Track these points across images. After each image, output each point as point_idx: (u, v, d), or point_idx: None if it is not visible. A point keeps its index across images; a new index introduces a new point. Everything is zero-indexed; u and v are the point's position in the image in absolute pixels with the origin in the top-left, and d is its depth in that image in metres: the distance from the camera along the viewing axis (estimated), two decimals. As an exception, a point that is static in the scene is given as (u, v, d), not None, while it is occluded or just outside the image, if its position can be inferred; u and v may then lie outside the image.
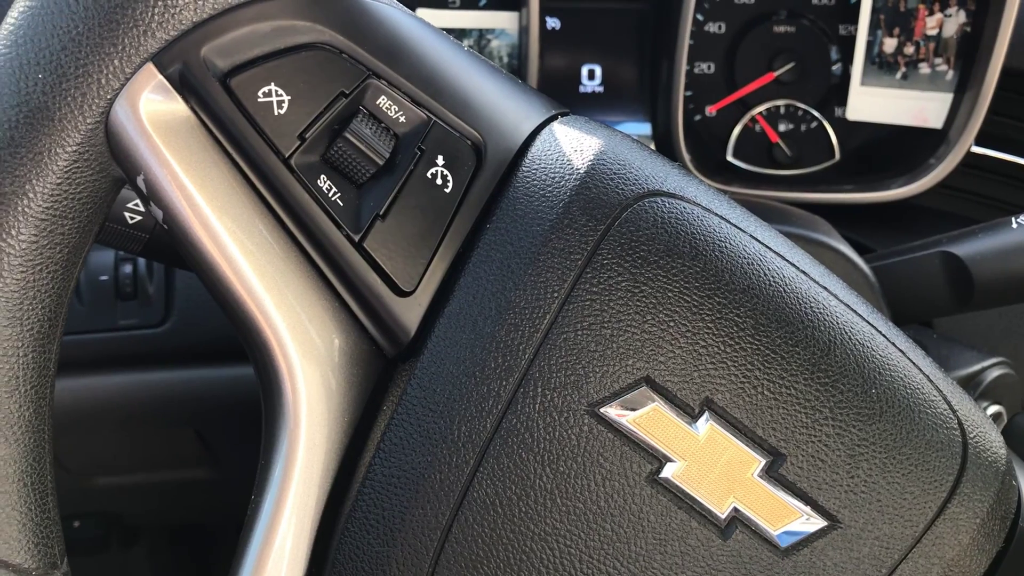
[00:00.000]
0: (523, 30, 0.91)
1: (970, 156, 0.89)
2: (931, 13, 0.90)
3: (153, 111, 0.37)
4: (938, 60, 0.91)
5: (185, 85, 0.38)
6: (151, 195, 0.38)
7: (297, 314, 0.39)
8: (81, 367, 0.83)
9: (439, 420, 0.38)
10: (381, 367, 0.41)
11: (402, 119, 0.40)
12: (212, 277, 0.39)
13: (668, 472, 0.37)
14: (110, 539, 1.13)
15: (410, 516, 0.38)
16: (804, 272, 0.40)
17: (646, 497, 0.37)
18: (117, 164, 0.38)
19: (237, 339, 0.41)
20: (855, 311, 0.41)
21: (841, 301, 0.41)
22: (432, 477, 0.37)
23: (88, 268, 0.83)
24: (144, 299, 0.83)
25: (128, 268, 0.83)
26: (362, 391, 0.40)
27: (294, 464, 0.39)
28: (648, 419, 0.37)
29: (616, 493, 0.37)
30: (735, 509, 0.37)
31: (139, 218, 0.55)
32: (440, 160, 0.40)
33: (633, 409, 0.37)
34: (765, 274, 0.39)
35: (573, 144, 0.41)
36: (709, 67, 0.98)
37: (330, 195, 0.38)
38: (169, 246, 0.57)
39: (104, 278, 0.82)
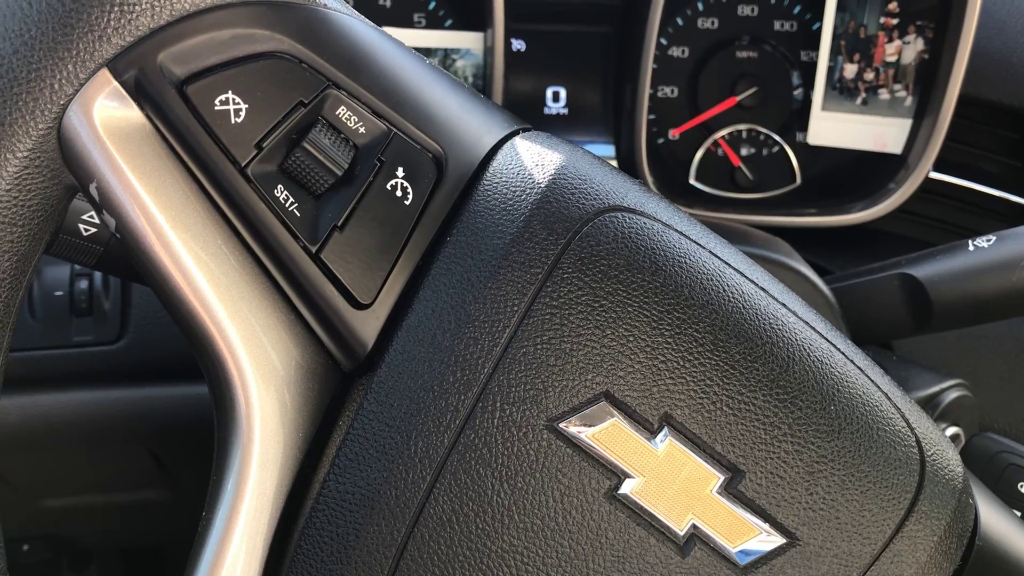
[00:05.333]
0: (488, 51, 0.91)
1: (928, 182, 0.91)
2: (890, 40, 0.91)
3: (107, 117, 0.36)
4: (897, 86, 0.92)
5: (140, 92, 0.37)
6: (104, 203, 0.37)
7: (252, 327, 0.38)
8: (33, 384, 0.81)
9: (396, 435, 0.37)
10: (337, 382, 0.40)
11: (362, 130, 0.39)
12: (165, 288, 0.38)
13: (627, 488, 0.37)
14: (60, 563, 1.10)
15: (365, 533, 0.37)
16: (763, 289, 0.41)
17: (604, 513, 0.37)
18: (70, 171, 0.37)
19: (194, 356, 0.40)
20: (814, 328, 0.41)
21: (800, 318, 0.41)
22: (388, 493, 0.37)
23: (43, 283, 0.81)
24: (100, 315, 0.82)
25: (84, 283, 0.82)
26: (318, 406, 0.40)
27: (246, 480, 0.38)
28: (607, 434, 0.37)
29: (574, 509, 0.37)
30: (694, 526, 0.37)
31: (94, 230, 0.54)
32: (400, 172, 0.39)
33: (592, 424, 0.37)
34: (724, 290, 0.39)
35: (535, 159, 0.41)
36: (672, 91, 0.99)
37: (287, 205, 0.38)
38: (125, 259, 0.56)
39: (59, 293, 0.81)
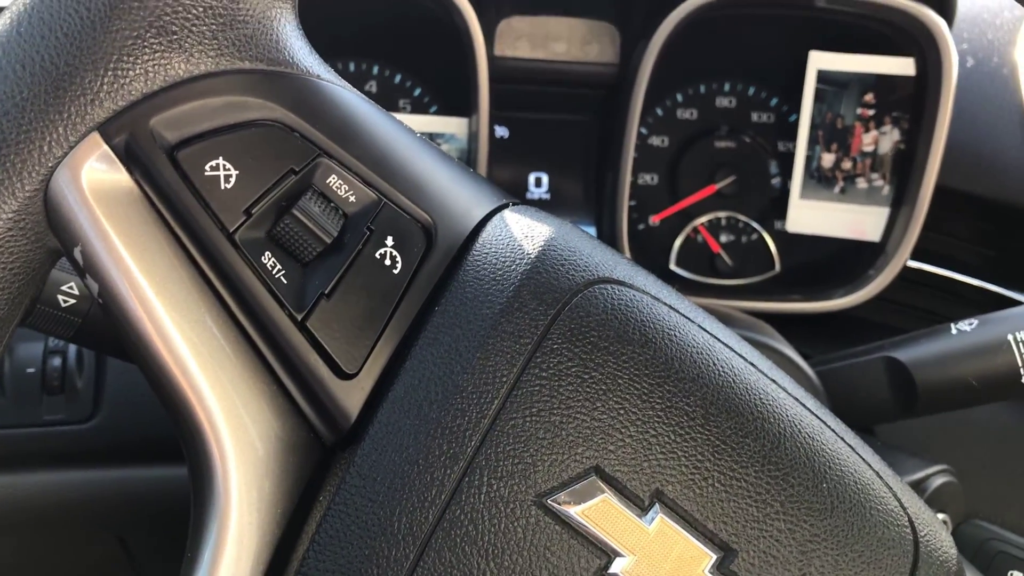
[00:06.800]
0: (472, 136, 0.92)
1: (906, 270, 0.92)
2: (867, 130, 0.93)
3: (95, 180, 0.36)
4: (875, 175, 0.94)
5: (130, 156, 0.37)
6: (88, 267, 0.37)
7: (232, 398, 0.37)
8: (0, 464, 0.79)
9: (379, 511, 0.36)
10: (319, 455, 0.39)
11: (352, 199, 0.39)
12: (145, 356, 0.37)
13: (617, 567, 0.36)
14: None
15: None
16: (752, 364, 0.40)
17: None
18: (54, 234, 0.37)
19: (168, 438, 0.39)
20: (804, 404, 0.40)
21: (790, 394, 0.40)
22: (369, 572, 0.35)
23: (15, 360, 0.80)
24: (72, 393, 0.80)
25: (57, 361, 0.80)
26: (298, 480, 0.39)
27: (221, 556, 0.36)
28: (597, 511, 0.36)
29: None
30: (686, 608, 0.36)
31: (72, 302, 0.54)
32: (389, 241, 0.39)
33: (582, 501, 0.36)
34: (714, 364, 0.39)
35: (524, 231, 0.41)
36: (653, 178, 1.00)
37: (274, 272, 0.37)
38: (101, 332, 0.55)
39: (31, 370, 0.79)
